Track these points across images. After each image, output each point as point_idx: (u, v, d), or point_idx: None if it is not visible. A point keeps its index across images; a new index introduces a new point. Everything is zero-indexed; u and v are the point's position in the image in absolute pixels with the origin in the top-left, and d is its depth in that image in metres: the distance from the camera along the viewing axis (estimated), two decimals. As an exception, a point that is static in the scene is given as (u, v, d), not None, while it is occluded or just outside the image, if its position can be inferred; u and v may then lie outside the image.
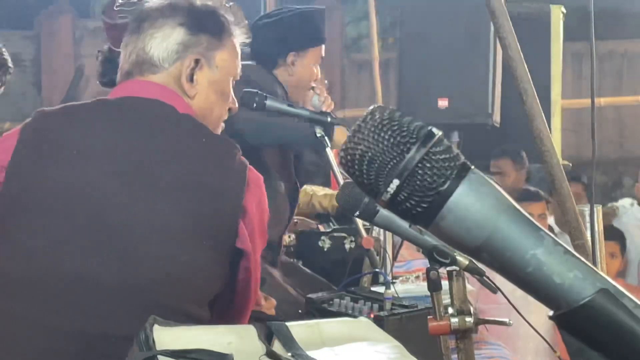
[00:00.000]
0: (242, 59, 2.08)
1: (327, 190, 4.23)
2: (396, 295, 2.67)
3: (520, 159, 5.55)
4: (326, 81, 3.53)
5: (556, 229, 4.94)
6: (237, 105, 2.07)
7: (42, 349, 1.74)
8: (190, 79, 1.94)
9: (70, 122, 1.89)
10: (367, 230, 3.13)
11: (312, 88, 3.41)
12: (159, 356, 1.48)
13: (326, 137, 3.03)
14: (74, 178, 1.80)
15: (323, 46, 3.47)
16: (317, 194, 4.18)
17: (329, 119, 3.02)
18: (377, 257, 3.04)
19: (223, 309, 1.91)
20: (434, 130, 0.94)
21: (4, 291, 1.80)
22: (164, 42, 1.93)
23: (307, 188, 4.06)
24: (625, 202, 5.94)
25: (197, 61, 1.94)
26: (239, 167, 1.88)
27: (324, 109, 3.31)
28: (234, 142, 1.93)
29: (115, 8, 2.87)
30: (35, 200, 1.81)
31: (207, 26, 1.95)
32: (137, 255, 1.78)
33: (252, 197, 1.87)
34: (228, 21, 1.98)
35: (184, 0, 1.96)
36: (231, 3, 2.02)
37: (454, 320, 1.77)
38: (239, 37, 2.02)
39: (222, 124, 2.05)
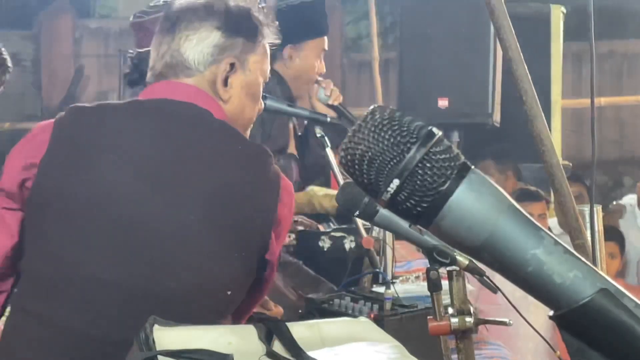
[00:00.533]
0: None
1: (327, 191, 4.23)
2: (396, 295, 2.67)
3: (504, 159, 5.49)
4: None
5: (556, 230, 4.93)
6: (263, 105, 2.06)
7: (65, 352, 1.73)
8: (225, 83, 1.90)
9: (105, 122, 1.84)
10: (367, 230, 3.13)
11: (318, 82, 3.39)
12: (159, 356, 1.48)
13: (326, 137, 3.03)
14: (107, 181, 1.77)
15: (325, 38, 3.44)
16: (317, 194, 4.17)
17: (328, 119, 3.02)
18: (377, 257, 3.04)
19: (236, 310, 1.90)
20: (434, 130, 0.94)
21: (30, 289, 1.80)
22: (200, 44, 1.88)
23: (307, 188, 4.06)
24: (631, 200, 5.92)
25: (232, 65, 1.90)
26: (274, 177, 1.85)
27: (330, 102, 3.30)
28: (267, 149, 1.90)
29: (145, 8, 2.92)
30: (67, 201, 1.77)
31: (242, 29, 1.92)
32: (166, 264, 1.75)
33: (284, 207, 1.86)
34: (261, 23, 1.95)
35: (220, 2, 1.92)
36: (263, 4, 2.00)
37: (454, 320, 1.77)
38: (269, 38, 1.98)
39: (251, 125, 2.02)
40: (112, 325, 1.73)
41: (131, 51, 3.00)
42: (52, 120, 1.85)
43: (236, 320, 1.91)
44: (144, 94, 1.92)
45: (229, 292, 1.80)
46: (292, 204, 1.90)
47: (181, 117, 1.85)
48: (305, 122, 3.44)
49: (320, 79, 3.40)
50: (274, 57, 3.35)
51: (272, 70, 3.34)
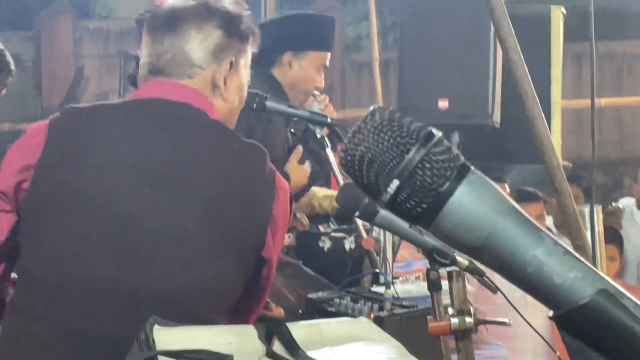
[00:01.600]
0: None
1: (327, 191, 4.23)
2: (396, 296, 2.67)
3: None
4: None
5: (554, 230, 4.92)
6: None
7: (65, 351, 1.74)
8: (224, 82, 1.94)
9: (99, 122, 1.87)
10: (367, 231, 3.13)
11: (314, 95, 3.41)
12: (159, 356, 1.48)
13: (326, 138, 3.03)
14: (102, 181, 1.79)
15: (328, 55, 3.46)
16: (317, 195, 4.17)
17: (328, 120, 3.02)
18: (377, 258, 3.04)
19: (238, 310, 1.91)
20: (434, 130, 0.94)
21: (28, 290, 1.81)
22: (204, 43, 1.91)
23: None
24: (629, 202, 5.91)
25: (231, 64, 1.94)
26: (269, 175, 1.87)
27: None
28: (262, 147, 1.92)
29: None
30: (63, 202, 1.79)
31: (237, 30, 1.95)
32: (163, 262, 1.77)
33: (280, 204, 1.87)
34: (249, 27, 1.99)
35: (216, 3, 1.96)
36: (249, 11, 2.03)
37: (454, 320, 1.77)
38: (254, 44, 2.02)
39: None
40: (111, 323, 1.73)
41: (136, 53, 3.03)
42: (46, 121, 1.87)
43: (240, 321, 1.92)
44: (137, 93, 1.95)
45: (223, 290, 1.82)
46: (287, 202, 1.92)
47: (176, 117, 1.87)
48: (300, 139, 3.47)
49: (317, 93, 3.42)
50: (272, 62, 3.36)
51: (269, 75, 3.35)
